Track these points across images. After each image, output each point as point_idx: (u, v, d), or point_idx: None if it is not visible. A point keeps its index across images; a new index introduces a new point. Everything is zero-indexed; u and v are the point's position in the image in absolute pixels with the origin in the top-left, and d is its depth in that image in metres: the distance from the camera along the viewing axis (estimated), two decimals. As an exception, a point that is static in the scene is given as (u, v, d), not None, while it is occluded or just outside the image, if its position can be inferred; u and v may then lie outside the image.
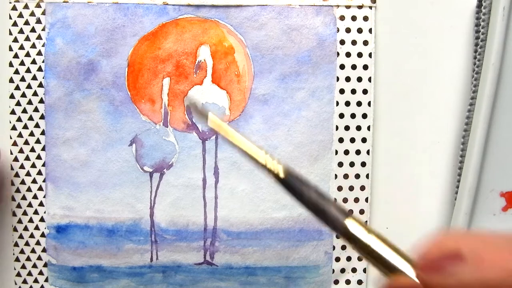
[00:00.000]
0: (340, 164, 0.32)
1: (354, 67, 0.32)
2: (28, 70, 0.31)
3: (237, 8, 0.32)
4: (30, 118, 0.31)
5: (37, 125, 0.31)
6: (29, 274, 0.32)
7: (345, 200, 0.32)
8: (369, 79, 0.32)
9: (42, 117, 0.31)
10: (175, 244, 0.32)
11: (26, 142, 0.32)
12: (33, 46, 0.31)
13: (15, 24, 0.31)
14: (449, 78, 0.33)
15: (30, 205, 0.32)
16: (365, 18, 0.32)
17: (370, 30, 0.32)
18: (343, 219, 0.19)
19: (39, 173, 0.32)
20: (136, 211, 0.32)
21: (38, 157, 0.32)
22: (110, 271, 0.32)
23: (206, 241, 0.32)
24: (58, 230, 0.32)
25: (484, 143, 0.30)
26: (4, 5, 0.31)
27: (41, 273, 0.32)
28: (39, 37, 0.31)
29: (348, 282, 0.32)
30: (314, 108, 0.32)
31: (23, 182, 0.32)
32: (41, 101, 0.31)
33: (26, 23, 0.31)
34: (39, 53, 0.31)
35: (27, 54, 0.31)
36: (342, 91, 0.32)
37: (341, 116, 0.32)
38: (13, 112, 0.31)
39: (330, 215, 0.19)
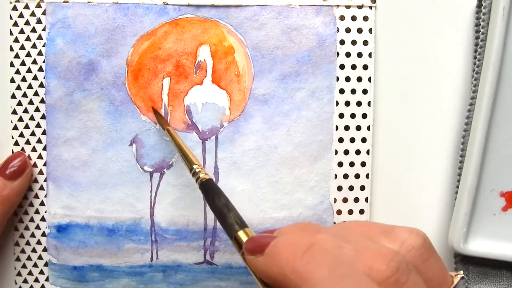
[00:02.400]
0: (340, 164, 0.32)
1: (354, 67, 0.32)
2: (29, 70, 0.31)
3: (237, 8, 0.32)
4: (31, 118, 0.32)
5: (38, 125, 0.32)
6: (30, 273, 0.32)
7: (345, 200, 0.32)
8: (369, 79, 0.32)
9: (43, 117, 0.32)
10: (175, 243, 0.32)
11: (28, 142, 0.32)
12: (34, 46, 0.31)
13: (15, 24, 0.31)
14: (449, 78, 0.33)
15: (31, 204, 0.32)
16: (365, 18, 0.32)
17: (370, 30, 0.32)
18: (237, 229, 0.23)
19: (40, 172, 0.32)
20: (136, 210, 0.32)
21: (39, 157, 0.32)
22: (110, 271, 0.32)
23: (206, 241, 0.32)
24: (59, 229, 0.32)
25: (484, 143, 0.30)
26: (4, 5, 0.31)
27: (41, 272, 0.32)
28: (39, 37, 0.31)
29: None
30: (314, 108, 0.32)
31: (24, 182, 0.32)
32: (42, 101, 0.31)
33: (27, 23, 0.31)
34: (40, 53, 0.31)
35: (28, 54, 0.31)
36: (342, 91, 0.32)
37: (341, 116, 0.32)
38: (14, 112, 0.32)
39: (228, 222, 0.24)
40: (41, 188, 0.32)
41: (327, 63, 0.32)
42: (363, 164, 0.32)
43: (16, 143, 0.32)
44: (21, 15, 0.31)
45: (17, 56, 0.31)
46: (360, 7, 0.32)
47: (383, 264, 0.19)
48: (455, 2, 0.32)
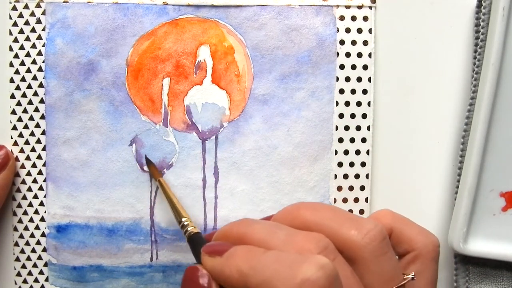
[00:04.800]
0: (340, 164, 0.32)
1: (354, 67, 0.32)
2: (28, 70, 0.31)
3: (237, 8, 0.32)
4: (31, 118, 0.32)
5: (37, 125, 0.32)
6: (30, 273, 0.32)
7: (345, 200, 0.32)
8: (369, 79, 0.32)
9: (42, 117, 0.31)
10: (175, 243, 0.32)
11: (27, 142, 0.32)
12: (34, 46, 0.31)
13: (15, 24, 0.31)
14: (449, 78, 0.33)
15: (30, 204, 0.32)
16: (365, 18, 0.32)
17: (370, 30, 0.32)
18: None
19: (40, 173, 0.32)
20: (136, 211, 0.32)
21: (39, 157, 0.32)
22: (110, 271, 0.32)
23: (206, 241, 0.32)
24: (59, 229, 0.32)
25: (484, 143, 0.30)
26: (4, 5, 0.31)
27: (41, 272, 0.32)
28: (39, 37, 0.31)
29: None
30: (313, 108, 0.32)
31: (23, 182, 0.32)
32: (42, 101, 0.31)
33: (26, 23, 0.31)
34: (40, 53, 0.31)
35: (28, 54, 0.31)
36: (341, 91, 0.32)
37: (341, 116, 0.32)
38: (13, 112, 0.32)
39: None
40: (41, 188, 0.32)
41: (327, 63, 0.32)
42: (363, 164, 0.32)
43: (15, 143, 0.32)
44: (20, 15, 0.31)
45: (16, 56, 0.31)
46: (360, 7, 0.32)
47: (312, 243, 0.21)
48: (455, 2, 0.32)
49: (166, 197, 0.29)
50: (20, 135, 0.32)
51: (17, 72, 0.31)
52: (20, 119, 0.32)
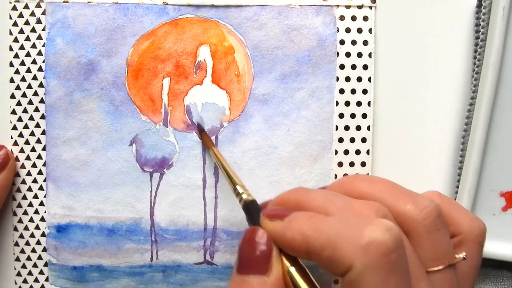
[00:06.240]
0: (340, 164, 0.32)
1: (354, 67, 0.32)
2: (28, 70, 0.31)
3: (237, 8, 0.32)
4: (31, 118, 0.32)
5: (37, 125, 0.32)
6: (30, 273, 0.32)
7: (345, 200, 0.32)
8: (369, 79, 0.32)
9: (42, 117, 0.31)
10: (175, 243, 0.32)
11: (27, 142, 0.32)
12: (34, 46, 0.31)
13: (15, 24, 0.31)
14: (449, 78, 0.33)
15: (30, 204, 0.32)
16: (365, 18, 0.32)
17: (370, 30, 0.32)
18: None
19: (40, 172, 0.32)
20: (136, 211, 0.32)
21: (39, 157, 0.32)
22: (110, 271, 0.32)
23: (206, 241, 0.32)
24: (59, 229, 0.32)
25: (484, 143, 0.30)
26: (4, 5, 0.31)
27: (41, 272, 0.32)
28: (39, 37, 0.31)
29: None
30: (314, 108, 0.32)
31: (23, 182, 0.32)
32: (42, 101, 0.31)
33: (27, 23, 0.31)
34: (40, 53, 0.31)
35: (28, 54, 0.31)
36: (342, 91, 0.32)
37: (341, 116, 0.32)
38: (13, 112, 0.32)
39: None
40: (41, 188, 0.32)
41: (327, 63, 0.32)
42: (363, 164, 0.32)
43: (15, 143, 0.32)
44: (20, 15, 0.31)
45: (16, 56, 0.31)
46: (360, 7, 0.32)
47: (372, 210, 0.22)
48: (455, 2, 0.32)
49: (220, 166, 0.29)
50: (20, 135, 0.32)
51: (17, 72, 0.31)
52: (20, 119, 0.32)
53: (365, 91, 0.32)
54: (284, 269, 0.22)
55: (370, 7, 0.32)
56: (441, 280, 0.22)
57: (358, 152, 0.32)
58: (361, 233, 0.19)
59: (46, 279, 0.32)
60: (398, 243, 0.19)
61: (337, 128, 0.32)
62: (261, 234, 0.23)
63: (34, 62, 0.31)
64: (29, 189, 0.32)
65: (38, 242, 0.32)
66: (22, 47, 0.31)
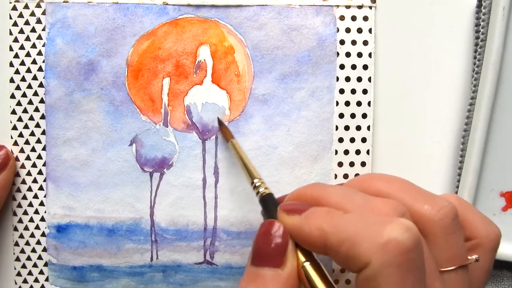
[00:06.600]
0: (340, 164, 0.32)
1: (354, 67, 0.32)
2: (28, 70, 0.31)
3: (237, 8, 0.32)
4: (31, 118, 0.32)
5: (37, 125, 0.32)
6: (30, 273, 0.32)
7: (345, 200, 0.32)
8: (369, 79, 0.32)
9: (42, 117, 0.31)
10: (175, 243, 0.32)
11: (27, 142, 0.32)
12: (34, 46, 0.31)
13: (15, 24, 0.31)
14: (449, 78, 0.33)
15: (30, 204, 0.32)
16: (365, 18, 0.32)
17: (370, 30, 0.32)
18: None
19: (40, 172, 0.32)
20: (136, 211, 0.32)
21: (39, 157, 0.32)
22: (110, 271, 0.32)
23: (206, 241, 0.32)
24: (59, 229, 0.32)
25: (484, 143, 0.30)
26: (4, 5, 0.31)
27: (41, 272, 0.32)
28: (39, 37, 0.31)
29: (348, 282, 0.32)
30: (314, 108, 0.32)
31: (24, 182, 0.32)
32: (42, 101, 0.31)
33: (27, 23, 0.31)
34: (40, 53, 0.31)
35: (28, 54, 0.31)
36: (342, 91, 0.32)
37: (341, 116, 0.32)
38: (14, 112, 0.32)
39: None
40: (41, 188, 0.32)
41: (327, 63, 0.32)
42: (363, 164, 0.32)
43: (16, 143, 0.32)
44: (20, 15, 0.31)
45: (16, 56, 0.31)
46: (360, 7, 0.32)
47: (390, 209, 0.21)
48: (455, 2, 0.32)
49: (238, 158, 0.29)
50: (20, 135, 0.32)
51: (17, 72, 0.31)
52: (20, 119, 0.32)
53: (365, 91, 0.32)
54: (299, 264, 0.22)
55: (370, 7, 0.32)
56: (454, 280, 0.23)
57: (358, 152, 0.32)
58: (381, 232, 0.19)
59: (46, 279, 0.32)
60: (417, 243, 0.20)
61: (337, 128, 0.32)
62: (278, 227, 0.23)
63: (34, 62, 0.31)
64: (29, 189, 0.32)
65: (38, 242, 0.32)
66: (22, 47, 0.31)
